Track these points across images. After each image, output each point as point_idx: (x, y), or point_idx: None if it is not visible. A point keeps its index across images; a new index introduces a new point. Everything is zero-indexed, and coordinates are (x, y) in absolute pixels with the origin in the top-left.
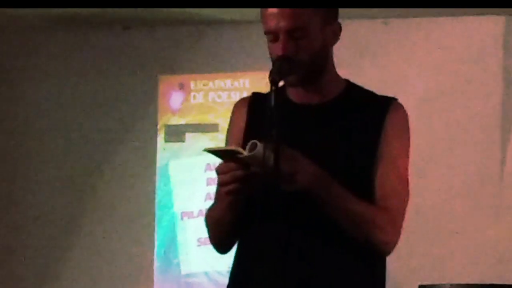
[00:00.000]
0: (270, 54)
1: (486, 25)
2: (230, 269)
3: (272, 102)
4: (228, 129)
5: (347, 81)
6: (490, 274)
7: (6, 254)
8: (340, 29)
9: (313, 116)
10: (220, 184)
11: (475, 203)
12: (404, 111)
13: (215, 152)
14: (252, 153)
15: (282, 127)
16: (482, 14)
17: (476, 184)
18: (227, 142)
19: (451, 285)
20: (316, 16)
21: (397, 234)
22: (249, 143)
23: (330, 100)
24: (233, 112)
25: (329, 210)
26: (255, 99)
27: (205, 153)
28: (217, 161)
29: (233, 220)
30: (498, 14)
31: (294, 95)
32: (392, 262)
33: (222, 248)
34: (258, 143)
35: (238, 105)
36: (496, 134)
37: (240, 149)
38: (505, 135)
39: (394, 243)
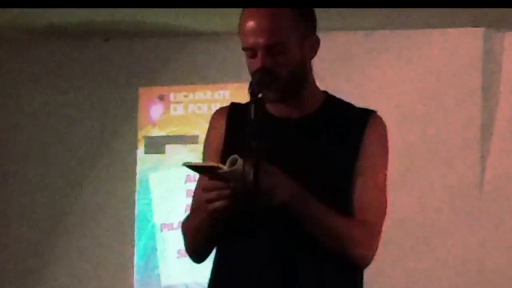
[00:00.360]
0: (249, 70)
1: (465, 37)
2: (208, 281)
3: (252, 115)
4: (206, 139)
5: (326, 93)
6: (471, 284)
7: None
8: (318, 42)
9: (293, 130)
10: (206, 201)
11: (456, 215)
12: (383, 123)
13: (195, 167)
14: (232, 168)
15: (261, 140)
16: (462, 26)
17: (456, 196)
18: (205, 152)
19: None
20: (294, 31)
21: (375, 247)
22: (230, 158)
23: (309, 114)
24: (212, 122)
25: (307, 225)
26: (234, 109)
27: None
28: (197, 173)
29: (212, 232)
30: (477, 26)
31: (274, 108)
32: (374, 275)
33: (198, 258)
34: (239, 159)
35: (216, 115)
36: (475, 145)
37: (221, 165)
38: (485, 147)
39: (372, 256)
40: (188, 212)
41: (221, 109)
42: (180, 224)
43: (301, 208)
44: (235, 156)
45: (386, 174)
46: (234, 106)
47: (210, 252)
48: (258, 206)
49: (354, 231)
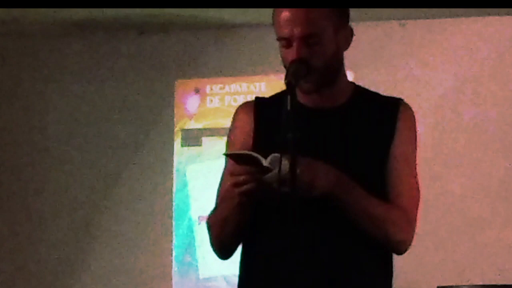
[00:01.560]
0: (283, 60)
1: (503, 26)
2: (238, 275)
3: (288, 106)
4: (229, 136)
5: (353, 84)
6: (509, 274)
7: (21, 260)
8: (352, 33)
9: (327, 119)
10: (235, 185)
11: (493, 204)
12: (412, 111)
13: (234, 156)
14: (275, 170)
15: (299, 130)
16: (499, 14)
17: (494, 186)
18: (229, 144)
19: (469, 286)
20: (329, 22)
21: (413, 232)
22: (271, 156)
23: (342, 103)
24: (237, 116)
25: (349, 212)
26: (260, 104)
27: (222, 157)
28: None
29: (240, 222)
30: None
31: (306, 99)
32: (411, 263)
33: (224, 252)
34: (282, 158)
35: (243, 109)
36: None
37: (261, 157)
38: None
39: (410, 241)
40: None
41: (247, 103)
42: (206, 219)
43: (343, 195)
44: (277, 154)
45: (416, 161)
46: (259, 101)
47: (236, 246)
48: (293, 203)
49: (394, 216)
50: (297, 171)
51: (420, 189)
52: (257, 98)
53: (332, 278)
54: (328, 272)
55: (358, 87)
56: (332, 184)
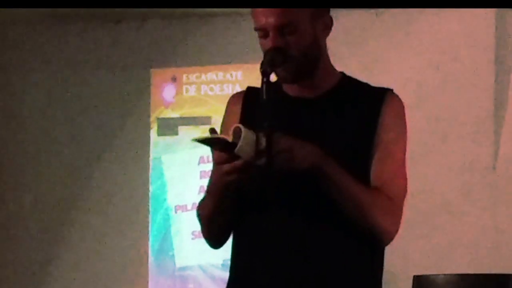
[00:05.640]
0: (262, 50)
1: (478, 16)
2: (229, 263)
3: (264, 94)
4: (222, 123)
5: (342, 73)
6: (484, 264)
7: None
8: (331, 22)
9: (308, 108)
10: (223, 174)
11: (469, 193)
12: (400, 101)
13: (204, 141)
14: (241, 141)
15: (276, 119)
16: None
17: (470, 174)
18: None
19: (445, 275)
20: (305, 11)
21: (398, 222)
22: (232, 128)
23: (324, 92)
24: (228, 106)
25: (332, 189)
26: (250, 93)
27: (199, 146)
28: (210, 154)
29: (227, 212)
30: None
31: (289, 88)
32: (387, 253)
33: (215, 242)
34: (242, 127)
35: (232, 99)
36: (489, 123)
37: (226, 137)
38: (498, 125)
39: (394, 232)
40: (202, 194)
41: (238, 93)
42: (196, 206)
43: (327, 168)
44: (237, 125)
45: (405, 152)
46: (250, 90)
47: (227, 236)
48: (274, 181)
49: (377, 202)
50: (273, 143)
51: (406, 181)
52: (248, 87)
53: (310, 267)
54: (307, 262)
55: (346, 77)
56: (313, 154)
